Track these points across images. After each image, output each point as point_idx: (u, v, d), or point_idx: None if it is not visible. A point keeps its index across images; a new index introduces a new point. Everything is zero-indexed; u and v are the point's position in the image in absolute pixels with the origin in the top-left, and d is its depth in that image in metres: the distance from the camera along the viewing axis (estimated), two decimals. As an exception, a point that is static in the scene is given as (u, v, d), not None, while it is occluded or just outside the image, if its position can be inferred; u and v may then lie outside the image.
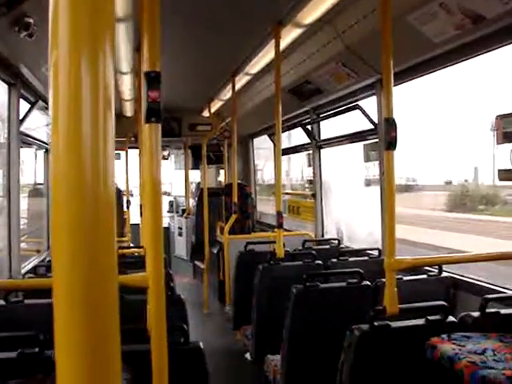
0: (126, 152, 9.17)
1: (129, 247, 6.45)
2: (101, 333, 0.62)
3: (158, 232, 1.97)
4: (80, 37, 0.62)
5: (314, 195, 6.53)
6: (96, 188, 0.62)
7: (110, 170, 0.63)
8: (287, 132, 7.55)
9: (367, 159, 5.22)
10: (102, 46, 0.63)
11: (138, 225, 6.73)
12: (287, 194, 7.77)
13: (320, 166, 6.50)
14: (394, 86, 4.24)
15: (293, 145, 7.82)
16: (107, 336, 0.63)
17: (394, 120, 2.78)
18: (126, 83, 6.21)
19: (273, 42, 4.46)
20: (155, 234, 1.96)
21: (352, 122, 5.52)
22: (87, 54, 0.62)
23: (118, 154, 10.71)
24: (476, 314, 2.59)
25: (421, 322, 2.61)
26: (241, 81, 6.32)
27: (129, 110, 8.22)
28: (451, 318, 2.63)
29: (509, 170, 3.26)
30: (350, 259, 4.43)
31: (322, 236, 6.38)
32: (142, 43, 2.01)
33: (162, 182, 2.11)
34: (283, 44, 4.51)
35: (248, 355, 4.69)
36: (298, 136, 7.43)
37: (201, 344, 2.40)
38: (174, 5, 3.97)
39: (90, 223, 0.62)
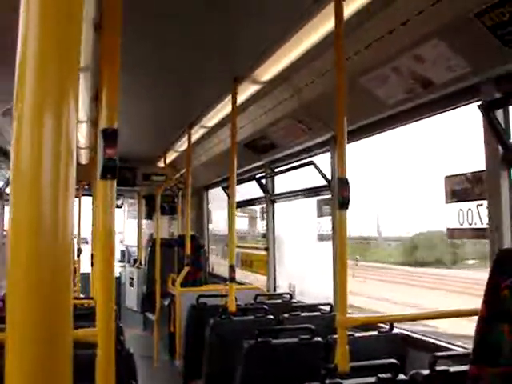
0: (80, 199, 9.05)
1: (78, 298, 6.28)
2: None
3: (109, 285, 1.93)
4: (45, 88, 0.63)
5: (266, 249, 6.53)
6: (54, 238, 0.62)
7: (69, 222, 0.63)
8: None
9: (320, 214, 5.28)
10: (67, 97, 0.64)
11: (88, 274, 6.58)
12: (240, 247, 7.74)
13: (273, 219, 6.52)
14: (348, 143, 4.37)
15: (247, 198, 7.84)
16: None
17: (347, 180, 2.81)
18: (82, 131, 6.18)
19: (230, 96, 4.53)
20: (107, 287, 1.93)
21: (307, 176, 5.60)
22: (51, 105, 0.63)
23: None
24: (426, 371, 2.60)
25: (372, 379, 2.60)
26: (197, 133, 6.37)
27: (84, 158, 8.15)
28: (402, 377, 2.63)
29: (456, 228, 3.37)
30: (302, 314, 4.42)
31: (275, 290, 6.36)
32: (101, 98, 2.01)
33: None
34: (240, 99, 4.59)
35: None
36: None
37: None
38: (132, 55, 4.01)
39: (47, 275, 0.61)
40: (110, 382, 1.87)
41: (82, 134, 6.42)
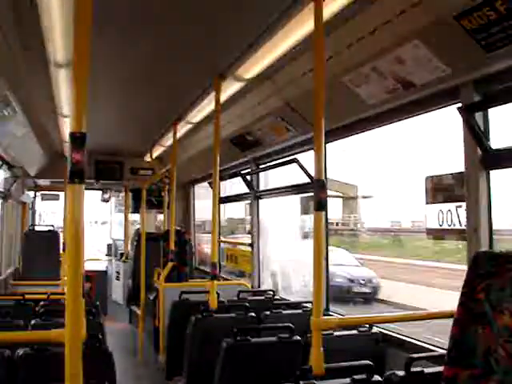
0: (65, 193, 9.01)
1: (62, 293, 6.25)
2: None
3: (77, 284, 1.90)
4: None
5: (251, 245, 6.52)
6: None
7: None
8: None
9: (304, 212, 5.28)
10: None
11: None
12: (224, 242, 7.74)
13: (258, 215, 6.51)
14: (330, 142, 4.35)
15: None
16: None
17: (323, 181, 2.79)
18: (68, 125, 6.15)
19: (214, 93, 4.51)
20: (75, 285, 1.89)
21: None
22: None
23: (57, 195, 10.54)
24: (401, 372, 2.61)
25: (347, 381, 2.61)
26: (183, 128, 6.35)
27: None
28: (377, 378, 2.64)
29: (435, 229, 3.39)
30: (284, 312, 4.42)
31: (259, 286, 6.36)
32: (71, 101, 1.98)
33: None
34: (224, 96, 4.58)
35: None
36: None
37: None
38: (117, 57, 4.00)
39: None
40: (77, 379, 1.84)
41: (67, 129, 6.38)
